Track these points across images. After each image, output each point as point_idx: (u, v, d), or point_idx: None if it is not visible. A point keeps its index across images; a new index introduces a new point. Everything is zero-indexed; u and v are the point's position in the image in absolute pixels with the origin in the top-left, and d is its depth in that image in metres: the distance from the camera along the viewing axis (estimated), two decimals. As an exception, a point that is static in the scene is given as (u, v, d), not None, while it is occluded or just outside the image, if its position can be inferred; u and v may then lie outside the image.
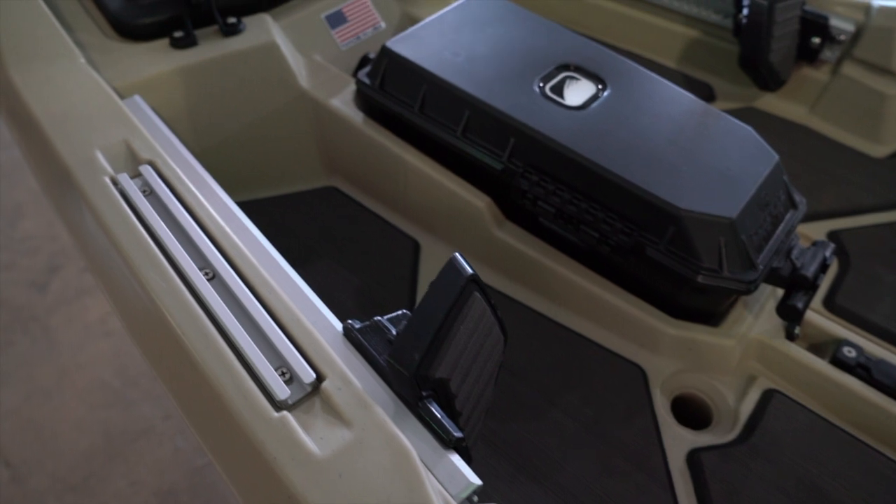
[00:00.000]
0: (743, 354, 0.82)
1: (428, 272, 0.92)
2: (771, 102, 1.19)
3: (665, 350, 0.82)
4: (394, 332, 0.59)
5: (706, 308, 0.81)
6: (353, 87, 0.98)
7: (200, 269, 0.62)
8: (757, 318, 0.84)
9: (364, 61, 1.07)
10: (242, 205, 0.89)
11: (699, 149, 0.81)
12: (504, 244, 0.88)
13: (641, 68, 0.91)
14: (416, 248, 0.95)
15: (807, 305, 0.78)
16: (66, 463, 1.62)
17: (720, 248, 0.74)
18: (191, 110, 0.93)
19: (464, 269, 0.58)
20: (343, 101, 0.97)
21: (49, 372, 1.80)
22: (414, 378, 0.53)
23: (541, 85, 0.87)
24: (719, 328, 0.81)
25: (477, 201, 0.88)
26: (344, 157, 1.00)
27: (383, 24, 1.13)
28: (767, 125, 1.16)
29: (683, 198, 0.74)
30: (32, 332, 1.90)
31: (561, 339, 0.85)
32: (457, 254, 0.59)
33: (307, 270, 0.90)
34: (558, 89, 0.87)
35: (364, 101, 0.96)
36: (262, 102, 0.98)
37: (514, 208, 0.88)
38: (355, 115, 0.95)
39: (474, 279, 0.58)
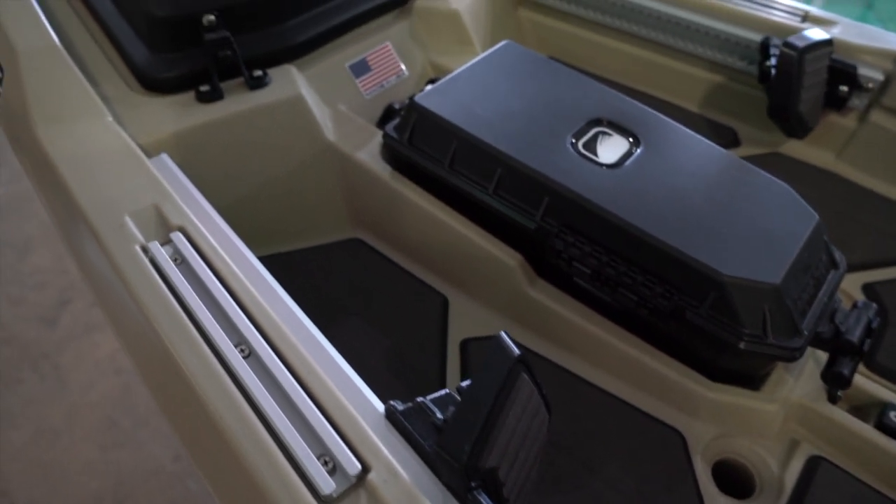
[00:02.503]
0: (785, 418, 0.80)
1: (457, 329, 0.90)
2: (796, 148, 1.18)
3: (704, 414, 0.80)
4: (438, 414, 0.57)
5: (747, 372, 0.79)
6: (379, 139, 0.97)
7: (236, 346, 0.60)
8: (797, 379, 0.81)
9: (389, 112, 1.06)
10: (268, 258, 0.88)
11: (737, 208, 0.79)
12: (536, 303, 0.86)
13: (673, 122, 0.90)
14: (444, 303, 0.93)
15: (853, 371, 0.75)
16: (75, 505, 1.59)
17: (764, 315, 0.72)
18: (216, 164, 0.92)
19: (511, 350, 0.56)
20: (370, 154, 0.95)
21: (58, 411, 1.77)
22: (464, 469, 0.51)
23: (573, 141, 0.85)
24: (760, 392, 0.79)
25: (508, 259, 0.86)
26: (370, 210, 0.99)
27: (406, 72, 1.13)
28: (793, 171, 1.15)
29: (725, 262, 0.72)
30: (41, 369, 1.87)
31: (596, 402, 0.83)
32: (503, 333, 0.57)
33: (335, 329, 0.88)
34: (591, 146, 0.85)
35: (391, 154, 0.94)
36: (288, 155, 0.96)
37: (547, 266, 0.86)
38: (382, 169, 0.94)
39: (522, 359, 0.56)
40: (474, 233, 0.88)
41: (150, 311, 0.61)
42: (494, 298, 0.91)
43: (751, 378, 0.80)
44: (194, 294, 0.63)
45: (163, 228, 0.70)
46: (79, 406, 1.77)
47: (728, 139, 1.21)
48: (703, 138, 0.88)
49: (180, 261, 0.67)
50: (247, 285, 0.64)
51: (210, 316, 0.61)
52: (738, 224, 0.77)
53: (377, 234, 1.01)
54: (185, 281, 0.64)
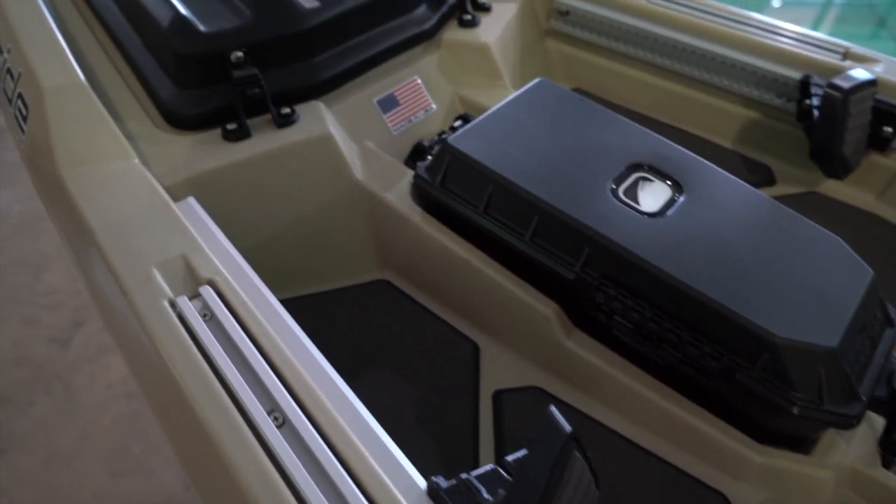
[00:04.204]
0: (836, 483, 0.76)
1: (489, 379, 0.87)
2: (835, 188, 1.14)
3: (751, 478, 0.76)
4: (485, 494, 0.53)
5: (798, 435, 0.75)
6: (408, 178, 0.94)
7: (269, 414, 0.57)
8: (850, 443, 0.77)
9: (418, 150, 1.04)
10: (294, 301, 0.85)
11: (788, 263, 0.75)
12: (573, 354, 0.83)
13: (715, 168, 0.87)
14: (475, 350, 0.90)
15: None
16: (84, 535, 1.56)
17: (820, 379, 0.68)
18: (242, 204, 0.90)
19: (562, 427, 0.53)
20: (399, 195, 0.93)
21: (69, 435, 1.75)
22: (516, 562, 0.48)
23: (613, 187, 0.82)
24: (811, 456, 0.75)
25: (544, 309, 0.83)
26: (398, 252, 0.96)
27: (434, 107, 1.10)
28: (832, 211, 1.12)
29: (778, 323, 0.69)
30: (54, 391, 1.85)
31: (636, 461, 0.79)
32: (553, 408, 0.54)
33: (364, 377, 0.85)
34: (632, 192, 0.82)
35: (422, 196, 0.92)
36: (315, 194, 0.94)
37: (585, 316, 0.83)
38: (412, 211, 0.91)
39: (574, 437, 0.53)
40: (508, 280, 0.85)
41: (180, 374, 0.59)
42: (528, 347, 0.87)
43: (801, 441, 0.76)
44: (225, 356, 0.60)
45: (191, 281, 0.68)
46: (90, 430, 1.74)
47: (763, 176, 1.18)
48: (748, 185, 0.84)
49: (209, 317, 0.64)
50: (281, 346, 0.61)
51: (242, 380, 0.58)
52: (789, 280, 0.74)
53: (405, 277, 0.98)
54: (215, 341, 0.61)
